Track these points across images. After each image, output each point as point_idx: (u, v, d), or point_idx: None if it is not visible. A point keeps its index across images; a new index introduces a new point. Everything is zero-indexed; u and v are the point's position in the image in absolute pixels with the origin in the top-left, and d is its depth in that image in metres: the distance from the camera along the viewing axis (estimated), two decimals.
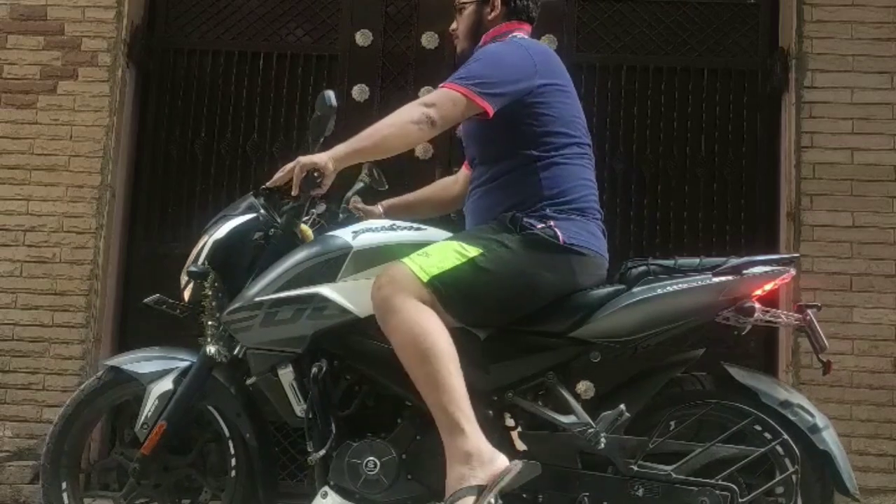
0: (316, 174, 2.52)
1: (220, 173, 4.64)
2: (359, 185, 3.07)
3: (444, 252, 2.52)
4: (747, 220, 4.50)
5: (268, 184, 2.68)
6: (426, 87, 4.60)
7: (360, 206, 3.00)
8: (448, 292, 2.48)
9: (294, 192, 2.57)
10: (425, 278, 2.46)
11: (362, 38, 4.67)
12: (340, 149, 2.57)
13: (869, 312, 4.10)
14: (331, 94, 2.63)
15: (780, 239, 4.36)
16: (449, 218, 3.17)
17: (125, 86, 4.51)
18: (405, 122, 2.56)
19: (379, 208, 3.05)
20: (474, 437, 2.38)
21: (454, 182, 3.13)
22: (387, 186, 3.09)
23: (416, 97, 4.58)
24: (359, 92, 4.63)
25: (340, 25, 4.71)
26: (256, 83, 4.67)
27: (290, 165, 2.57)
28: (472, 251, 2.52)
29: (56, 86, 4.44)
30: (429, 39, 4.66)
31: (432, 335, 2.42)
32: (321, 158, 2.53)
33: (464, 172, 3.07)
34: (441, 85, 2.63)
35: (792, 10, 4.39)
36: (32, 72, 4.45)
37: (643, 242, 4.42)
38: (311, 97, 4.64)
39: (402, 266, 2.49)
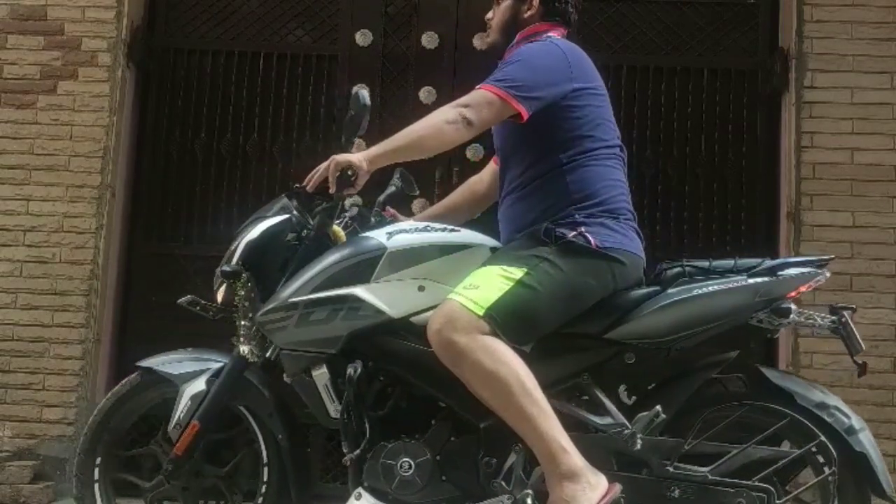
0: (350, 173, 2.51)
1: (220, 173, 4.64)
2: (390, 189, 3.05)
3: (490, 280, 2.49)
4: (747, 220, 4.50)
5: (303, 183, 2.67)
6: (426, 87, 4.62)
7: (392, 211, 2.99)
8: (505, 320, 2.45)
9: (332, 190, 2.56)
10: (481, 311, 2.43)
11: (362, 38, 4.67)
12: (376, 149, 2.57)
13: (869, 312, 4.10)
14: (364, 93, 2.63)
15: (780, 239, 4.36)
16: (478, 218, 3.13)
17: (125, 86, 4.52)
18: (441, 123, 2.54)
19: (409, 220, 3.00)
20: (577, 455, 2.38)
21: (479, 182, 3.10)
22: (417, 192, 3.08)
23: (416, 97, 4.62)
24: None
25: (340, 25, 4.71)
26: (256, 83, 4.67)
27: (324, 164, 2.57)
28: (518, 272, 2.49)
29: (56, 86, 4.44)
30: (429, 39, 4.66)
31: (510, 366, 2.40)
32: (356, 157, 2.52)
33: (491, 168, 3.05)
34: (477, 87, 2.61)
35: (792, 10, 4.39)
36: (32, 72, 4.45)
37: (643, 242, 4.41)
38: (311, 97, 4.65)
39: (454, 303, 2.46)
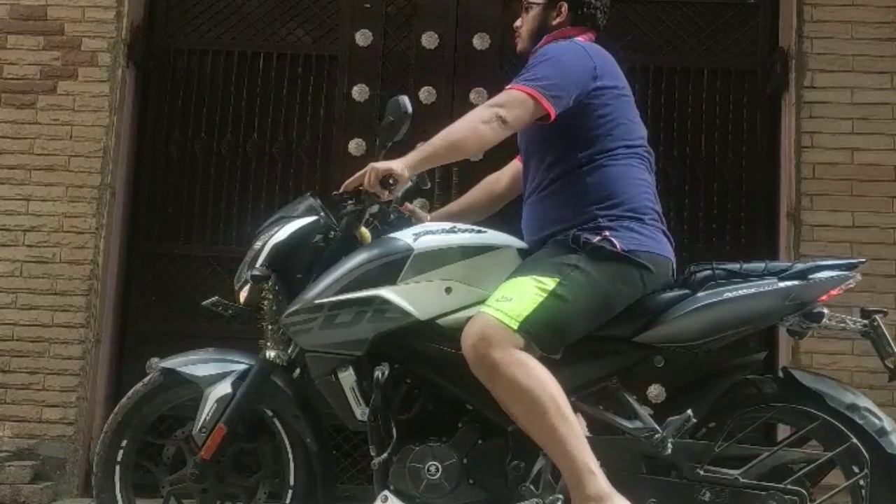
0: (391, 180, 2.50)
1: (220, 173, 4.64)
2: (407, 185, 3.04)
3: (523, 291, 2.48)
4: (747, 220, 4.49)
5: (339, 191, 2.66)
6: (426, 87, 4.62)
7: (410, 207, 2.97)
8: (539, 332, 2.46)
9: (385, 198, 2.55)
10: (515, 325, 2.43)
11: (362, 38, 4.67)
12: (415, 155, 2.56)
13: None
14: (405, 100, 2.61)
15: (780, 239, 4.36)
16: (503, 218, 3.12)
17: (125, 86, 4.51)
18: (477, 123, 2.53)
19: (427, 216, 3.02)
20: (602, 478, 2.37)
21: (497, 180, 3.09)
22: (428, 185, 3.06)
23: (416, 97, 4.61)
24: (359, 92, 4.64)
25: (340, 25, 4.71)
26: (256, 83, 4.67)
27: (363, 171, 2.56)
28: (550, 282, 2.48)
29: (56, 86, 4.44)
30: (429, 39, 4.66)
31: (544, 385, 2.40)
32: (397, 165, 2.50)
33: (512, 167, 3.05)
34: (508, 87, 2.61)
35: (792, 10, 4.39)
36: (32, 72, 4.45)
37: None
38: (311, 97, 4.66)
39: (488, 317, 2.45)
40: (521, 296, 2.47)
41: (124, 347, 4.55)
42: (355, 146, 4.62)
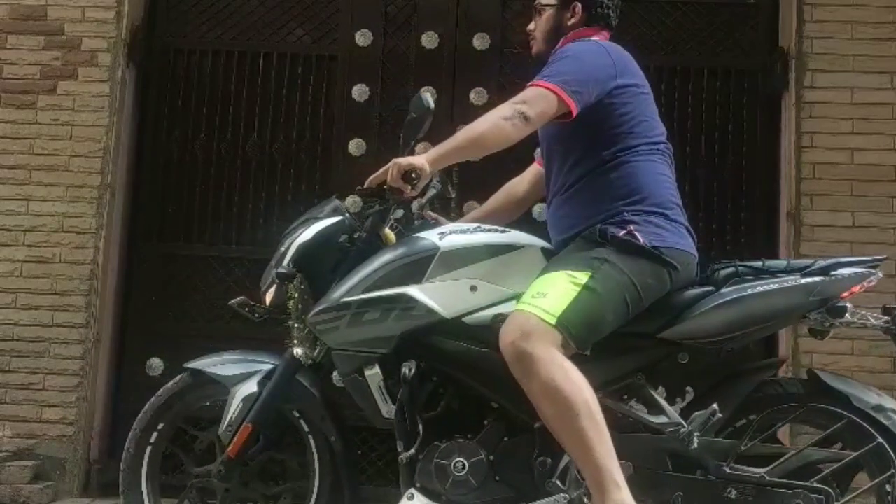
0: (414, 175, 2.51)
1: (220, 173, 4.64)
2: (431, 192, 3.03)
3: (558, 286, 2.49)
4: (747, 220, 4.49)
5: (363, 186, 2.67)
6: (426, 88, 4.61)
7: (434, 215, 2.98)
8: (576, 328, 2.47)
9: (410, 193, 2.56)
10: (553, 321, 2.44)
11: (362, 38, 4.67)
12: (437, 150, 2.58)
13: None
14: (428, 97, 2.65)
15: (780, 239, 4.36)
16: (528, 218, 3.11)
17: (125, 86, 4.51)
18: (499, 120, 2.55)
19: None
20: (626, 491, 2.38)
21: (518, 184, 3.11)
22: (453, 195, 3.08)
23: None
24: (359, 92, 4.64)
25: (340, 25, 4.71)
26: (256, 83, 4.67)
27: (386, 167, 2.57)
28: (583, 276, 2.50)
29: (56, 86, 4.44)
30: (429, 39, 4.66)
31: (579, 388, 2.40)
32: (419, 161, 2.52)
33: (533, 170, 3.06)
34: (529, 84, 2.62)
35: (792, 10, 4.39)
36: (32, 72, 4.45)
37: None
38: (311, 97, 4.66)
39: (526, 314, 2.46)
40: (555, 291, 2.49)
41: (124, 347, 4.55)
42: (355, 146, 4.62)
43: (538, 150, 2.99)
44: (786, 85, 4.39)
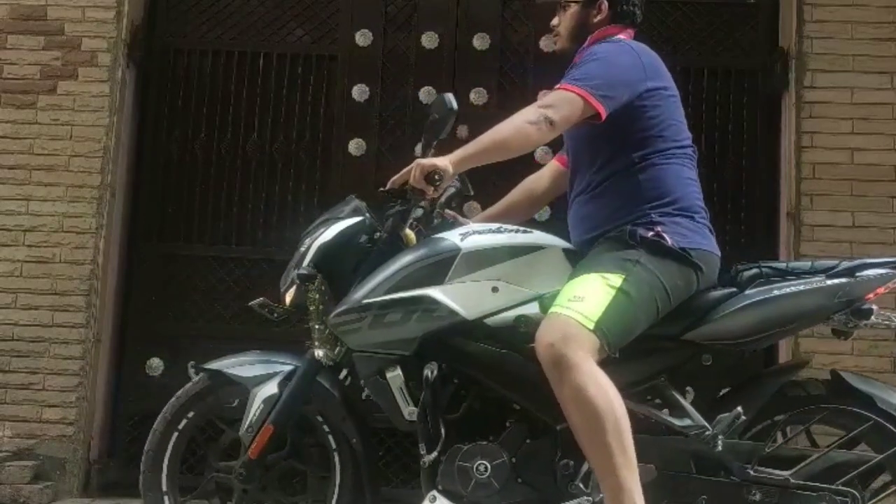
0: (437, 177, 2.50)
1: (220, 173, 4.64)
2: (451, 191, 3.00)
3: (594, 289, 2.48)
4: (747, 220, 4.50)
5: (385, 187, 2.66)
6: (426, 87, 4.62)
7: (453, 213, 2.96)
8: (612, 332, 2.46)
9: (430, 194, 2.56)
10: (591, 325, 2.42)
11: (362, 38, 4.67)
12: (461, 152, 2.56)
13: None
14: (451, 97, 2.60)
15: (780, 239, 4.36)
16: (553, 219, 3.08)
17: (125, 86, 4.51)
18: (523, 124, 2.54)
19: (469, 222, 2.97)
20: None
21: (537, 181, 3.08)
22: (472, 192, 3.06)
23: (416, 97, 4.62)
24: (359, 92, 4.64)
25: (340, 25, 4.71)
26: (256, 83, 4.67)
27: (408, 167, 2.56)
28: (617, 279, 2.49)
29: (56, 86, 4.44)
30: (429, 39, 4.66)
31: (611, 402, 2.38)
32: (442, 162, 2.50)
33: (552, 167, 3.05)
34: (557, 86, 2.61)
35: (792, 10, 4.39)
36: (32, 72, 4.45)
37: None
38: (311, 97, 4.66)
39: (564, 317, 2.44)
40: (592, 294, 2.47)
41: (124, 347, 4.55)
42: (355, 146, 4.62)
43: (563, 149, 2.97)
44: (786, 85, 4.39)
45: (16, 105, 4.43)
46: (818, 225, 4.22)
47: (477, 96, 4.58)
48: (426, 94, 4.61)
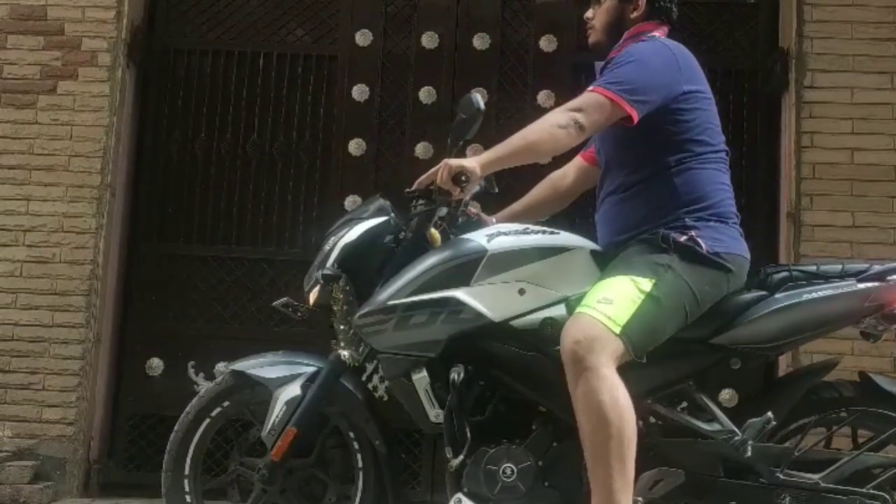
0: (464, 178, 2.48)
1: (220, 173, 4.64)
2: (475, 189, 3.02)
3: (623, 293, 2.46)
4: (747, 220, 4.46)
5: (412, 188, 2.65)
6: (426, 87, 4.62)
7: (476, 211, 2.92)
8: (639, 338, 2.43)
9: (456, 195, 2.54)
10: (617, 330, 2.40)
11: (362, 38, 4.67)
12: (489, 154, 2.54)
13: None
14: (478, 97, 2.58)
15: (780, 239, 4.36)
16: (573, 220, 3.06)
17: (125, 86, 4.51)
18: (552, 127, 2.52)
19: (493, 219, 2.95)
20: None
21: (562, 178, 3.04)
22: (497, 190, 3.04)
23: (416, 97, 4.62)
24: (359, 92, 4.64)
25: (340, 25, 4.71)
26: (256, 83, 4.67)
27: (436, 167, 2.54)
28: (647, 284, 2.46)
29: (56, 86, 4.44)
30: (429, 39, 4.66)
31: (622, 413, 2.36)
32: (470, 163, 2.49)
33: (576, 164, 3.02)
34: (588, 88, 2.59)
35: (792, 10, 4.39)
36: (32, 72, 4.45)
37: None
38: (311, 97, 4.66)
39: (591, 319, 2.42)
40: (620, 298, 2.44)
41: (124, 347, 4.55)
42: (355, 146, 4.62)
43: (587, 146, 2.94)
44: (786, 85, 4.39)
45: (16, 105, 4.43)
46: (818, 225, 4.22)
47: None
48: (426, 94, 4.61)
